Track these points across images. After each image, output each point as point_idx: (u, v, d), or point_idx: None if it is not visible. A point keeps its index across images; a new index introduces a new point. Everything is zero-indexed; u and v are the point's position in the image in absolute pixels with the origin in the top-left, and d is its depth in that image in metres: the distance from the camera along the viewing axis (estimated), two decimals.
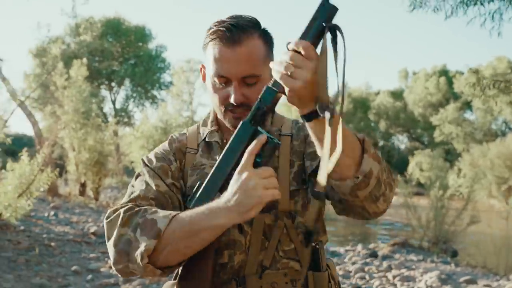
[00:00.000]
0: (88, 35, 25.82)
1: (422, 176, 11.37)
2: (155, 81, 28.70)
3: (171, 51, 43.42)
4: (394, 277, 6.55)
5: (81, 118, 13.79)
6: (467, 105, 34.22)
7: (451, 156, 33.27)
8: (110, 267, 6.23)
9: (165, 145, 1.30)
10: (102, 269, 6.03)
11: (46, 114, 21.05)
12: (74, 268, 5.87)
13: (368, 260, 7.96)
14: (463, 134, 33.85)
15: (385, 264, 7.53)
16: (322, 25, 0.95)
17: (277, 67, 0.96)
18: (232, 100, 1.15)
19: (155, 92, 29.14)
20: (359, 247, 9.22)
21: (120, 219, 1.07)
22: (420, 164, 12.51)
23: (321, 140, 0.98)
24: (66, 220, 9.50)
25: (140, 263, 1.02)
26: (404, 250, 9.44)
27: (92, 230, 8.40)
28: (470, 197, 10.96)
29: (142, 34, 28.54)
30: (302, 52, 0.93)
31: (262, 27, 1.21)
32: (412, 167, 11.45)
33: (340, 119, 0.96)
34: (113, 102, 29.31)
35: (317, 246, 1.20)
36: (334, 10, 0.95)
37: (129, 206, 1.12)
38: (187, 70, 16.14)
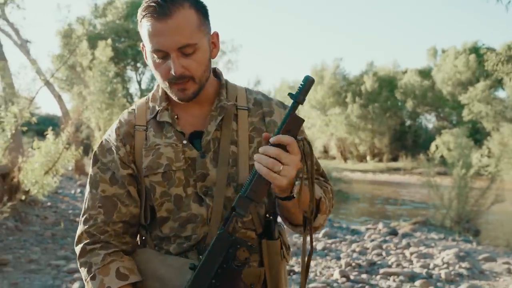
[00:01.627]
0: (113, 16, 26.03)
1: (449, 156, 11.22)
2: None
3: None
4: (411, 254, 6.57)
5: (107, 99, 14.03)
6: (499, 83, 33.34)
7: (480, 135, 32.63)
8: None
9: (112, 130, 1.30)
10: None
11: (74, 95, 21.50)
12: None
13: (387, 238, 7.98)
14: (493, 113, 33.05)
15: (404, 242, 7.54)
16: (295, 137, 1.08)
17: (264, 162, 1.05)
18: (172, 72, 1.15)
19: None
20: (380, 225, 9.23)
21: (81, 260, 1.24)
22: (447, 144, 12.33)
23: (288, 210, 1.20)
24: None
25: None
26: (425, 229, 9.42)
27: None
28: (496, 175, 10.81)
29: None
30: (288, 148, 1.06)
31: None
32: (435, 146, 11.25)
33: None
34: (139, 83, 29.62)
35: (270, 217, 1.27)
36: (302, 123, 1.11)
37: (83, 244, 1.23)
38: None
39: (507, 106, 33.48)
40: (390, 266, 5.71)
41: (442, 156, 11.56)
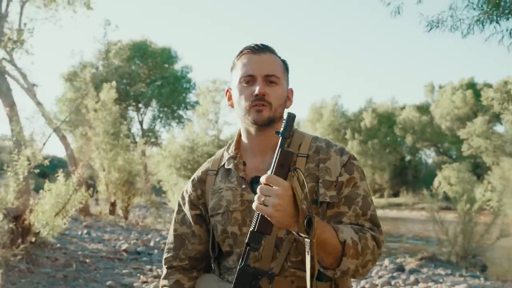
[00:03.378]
0: (116, 59, 26.60)
1: (451, 191, 11.30)
2: (181, 101, 29.31)
3: (196, 72, 44.06)
4: None
5: (111, 139, 14.22)
6: (496, 118, 33.72)
7: (480, 170, 32.74)
8: (143, 282, 6.47)
9: (192, 177, 1.55)
10: (135, 284, 6.26)
11: (76, 136, 21.71)
12: (108, 283, 6.12)
13: (395, 274, 7.98)
14: (492, 147, 33.27)
15: (412, 278, 7.55)
16: (288, 169, 1.21)
17: (255, 201, 1.18)
18: (256, 91, 1.35)
19: (181, 112, 29.74)
20: (386, 261, 9.23)
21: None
22: (448, 179, 12.42)
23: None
24: (99, 238, 9.83)
25: None
26: (431, 264, 9.41)
27: (123, 247, 8.68)
28: (499, 210, 10.87)
29: (168, 56, 29.25)
30: (267, 182, 1.17)
31: (280, 57, 1.46)
32: (438, 181, 11.35)
33: (314, 238, 1.19)
34: (141, 123, 29.99)
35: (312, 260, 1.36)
36: (291, 156, 1.23)
37: (164, 273, 1.52)
38: (212, 90, 16.45)
39: (506, 140, 33.73)
40: None
41: (444, 192, 11.62)
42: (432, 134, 39.25)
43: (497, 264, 10.84)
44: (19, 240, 5.80)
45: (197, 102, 29.21)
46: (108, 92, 14.40)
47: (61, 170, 7.19)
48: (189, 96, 29.84)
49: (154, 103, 29.79)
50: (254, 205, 1.19)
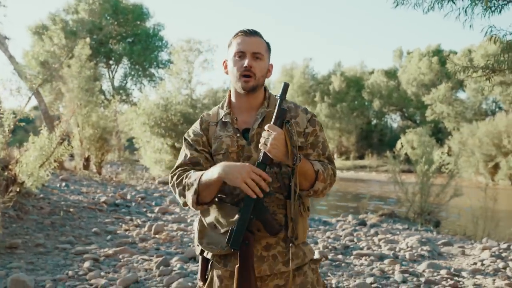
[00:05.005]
0: (86, 14, 26.10)
1: (413, 154, 11.99)
2: (153, 60, 29.12)
3: (168, 30, 43.50)
4: (379, 240, 7.29)
5: (85, 96, 14.34)
6: (459, 85, 34.85)
7: (442, 135, 34.06)
8: (126, 230, 6.94)
9: (197, 123, 2.00)
10: (118, 231, 6.73)
11: (46, 91, 21.53)
12: (94, 230, 6.57)
13: (357, 227, 8.68)
14: (454, 113, 34.52)
15: (372, 230, 8.25)
16: (282, 121, 1.75)
17: (260, 142, 1.72)
18: (245, 64, 1.83)
19: (153, 70, 29.60)
20: (350, 217, 9.92)
21: (176, 183, 1.88)
22: (411, 142, 13.11)
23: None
24: (78, 191, 10.19)
25: (192, 205, 1.83)
26: (391, 220, 10.19)
27: (102, 199, 9.08)
28: (454, 172, 11.68)
29: (139, 13, 28.82)
30: (270, 130, 1.71)
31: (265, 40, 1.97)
32: (400, 143, 12.03)
33: (298, 168, 1.75)
34: (111, 80, 29.74)
35: (290, 184, 1.84)
36: (285, 112, 1.77)
37: (177, 173, 1.90)
38: (186, 49, 16.59)
39: (467, 107, 35.03)
40: (361, 249, 6.39)
41: (406, 155, 12.31)
42: (398, 99, 40.25)
43: (449, 221, 11.73)
44: (9, 189, 6.13)
45: (169, 61, 29.16)
46: (82, 48, 14.41)
47: (44, 124, 7.43)
48: (161, 54, 29.67)
49: (125, 60, 29.50)
50: (259, 144, 1.72)
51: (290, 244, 1.84)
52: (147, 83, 29.63)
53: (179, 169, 1.92)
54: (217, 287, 1.89)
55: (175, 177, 1.90)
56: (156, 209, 8.91)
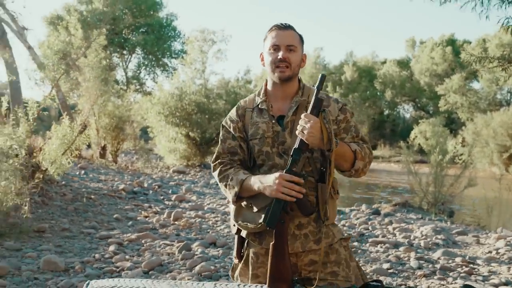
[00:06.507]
0: (100, 4, 26.22)
1: (426, 144, 12.01)
2: (166, 49, 29.23)
3: (182, 20, 43.52)
4: (394, 228, 7.40)
5: (102, 85, 14.51)
6: (473, 75, 34.55)
7: (455, 125, 33.85)
8: (145, 216, 7.12)
9: (234, 110, 2.13)
10: (138, 218, 6.92)
11: (61, 81, 21.75)
12: (115, 216, 6.75)
13: (371, 216, 8.79)
14: (468, 104, 34.26)
15: (386, 220, 8.36)
16: (319, 111, 1.88)
17: (298, 129, 1.84)
18: (280, 55, 1.96)
19: (166, 60, 29.73)
20: (363, 207, 10.02)
21: (219, 178, 2.07)
22: (424, 133, 13.13)
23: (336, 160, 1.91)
24: (96, 178, 10.40)
25: (232, 202, 2.03)
26: (404, 210, 10.27)
27: (121, 187, 9.28)
28: (468, 162, 11.70)
29: (152, 3, 28.91)
30: (305, 118, 1.83)
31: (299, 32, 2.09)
32: (414, 134, 12.06)
33: (334, 153, 1.87)
34: (125, 70, 29.95)
35: (323, 169, 1.97)
36: (321, 101, 1.89)
37: (219, 169, 2.07)
38: (200, 39, 16.69)
39: (481, 97, 34.74)
40: (377, 237, 6.51)
41: (419, 145, 12.33)
42: (411, 89, 39.99)
43: (463, 211, 11.79)
44: (35, 176, 6.32)
45: (182, 51, 29.29)
46: (98, 38, 14.56)
47: (65, 113, 7.59)
48: (174, 44, 29.76)
49: (138, 50, 29.66)
50: (297, 132, 1.85)
51: (322, 224, 1.97)
52: (160, 73, 29.80)
53: (219, 160, 2.09)
54: (253, 263, 2.03)
55: (217, 172, 2.08)
56: (173, 197, 9.08)
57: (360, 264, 4.91)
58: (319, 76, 1.93)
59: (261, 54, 2.09)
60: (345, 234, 2.16)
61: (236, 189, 1.97)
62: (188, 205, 8.40)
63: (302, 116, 1.85)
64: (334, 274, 2.00)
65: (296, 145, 1.87)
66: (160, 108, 15.65)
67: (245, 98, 2.19)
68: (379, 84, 39.83)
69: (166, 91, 16.27)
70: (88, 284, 1.85)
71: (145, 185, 10.45)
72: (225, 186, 2.03)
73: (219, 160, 2.09)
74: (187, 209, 7.98)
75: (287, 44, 1.97)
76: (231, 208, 2.10)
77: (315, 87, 1.90)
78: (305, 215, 1.94)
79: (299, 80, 2.10)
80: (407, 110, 44.91)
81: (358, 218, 8.44)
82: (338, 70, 42.16)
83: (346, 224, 7.47)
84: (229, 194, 2.01)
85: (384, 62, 42.63)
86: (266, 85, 2.11)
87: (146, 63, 29.79)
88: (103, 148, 15.50)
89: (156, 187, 10.42)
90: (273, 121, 2.03)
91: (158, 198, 9.03)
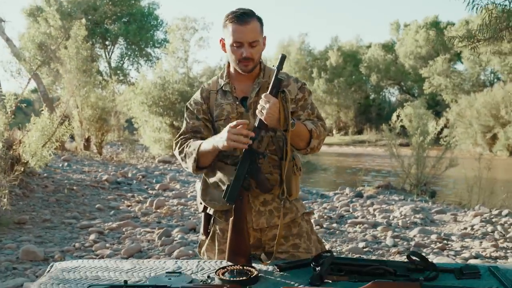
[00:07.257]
0: None
1: (410, 127, 12.13)
2: (149, 39, 29.01)
3: (164, 9, 43.17)
4: (374, 210, 7.52)
5: (83, 77, 14.43)
6: (457, 56, 34.77)
7: (440, 107, 34.11)
8: (128, 206, 7.16)
9: (198, 92, 2.18)
10: (120, 207, 6.95)
11: (44, 73, 21.54)
12: (97, 206, 6.79)
13: (354, 199, 8.91)
14: (452, 85, 34.52)
15: (368, 201, 8.48)
16: (277, 91, 1.90)
17: (258, 109, 1.88)
18: (244, 55, 1.98)
19: (149, 50, 29.53)
20: (347, 190, 10.15)
21: (178, 151, 2.10)
22: (410, 116, 13.26)
23: (292, 139, 1.94)
24: (79, 170, 10.40)
25: (193, 171, 2.04)
26: (387, 192, 10.41)
27: (104, 178, 9.30)
28: (450, 143, 11.86)
29: None
30: (265, 99, 1.85)
31: (257, 15, 2.08)
32: (395, 116, 12.15)
33: (290, 133, 1.91)
34: (108, 61, 29.71)
35: (286, 148, 2.02)
36: (281, 82, 1.92)
37: (180, 142, 2.10)
38: (182, 28, 16.60)
39: (465, 78, 35.02)
40: (356, 218, 6.62)
41: (404, 128, 12.43)
42: (396, 72, 40.14)
43: (445, 191, 11.98)
44: (14, 168, 6.32)
45: (165, 40, 29.10)
46: (78, 29, 14.44)
47: (44, 105, 7.58)
48: (157, 33, 29.56)
49: (121, 40, 29.41)
50: (257, 111, 1.90)
51: (284, 200, 2.03)
52: (143, 63, 29.61)
53: (182, 137, 2.12)
54: (219, 239, 2.11)
55: (178, 145, 2.11)
56: (157, 186, 9.13)
57: (337, 244, 5.04)
58: (279, 57, 1.94)
59: (221, 40, 2.10)
60: (308, 209, 2.24)
61: (194, 155, 2.00)
62: (171, 193, 8.45)
63: (262, 96, 1.88)
64: (295, 246, 2.11)
65: (255, 124, 1.93)
66: (143, 98, 15.59)
67: (208, 81, 2.23)
68: (364, 69, 39.93)
69: (148, 81, 16.20)
70: (52, 265, 1.90)
71: (129, 175, 10.47)
72: (184, 156, 2.06)
73: (181, 137, 2.13)
74: (170, 197, 8.04)
75: (249, 41, 1.98)
76: (198, 187, 2.16)
77: (275, 68, 1.92)
78: (264, 192, 2.01)
79: (260, 62, 2.13)
80: (392, 94, 45.13)
81: (340, 201, 8.56)
82: (323, 55, 42.16)
83: (327, 207, 7.58)
84: (189, 163, 2.03)
85: (369, 46, 42.67)
86: (228, 67, 2.14)
87: (129, 53, 29.59)
88: (87, 140, 15.45)
89: (140, 177, 10.45)
90: (237, 103, 2.09)
91: (142, 188, 9.07)
